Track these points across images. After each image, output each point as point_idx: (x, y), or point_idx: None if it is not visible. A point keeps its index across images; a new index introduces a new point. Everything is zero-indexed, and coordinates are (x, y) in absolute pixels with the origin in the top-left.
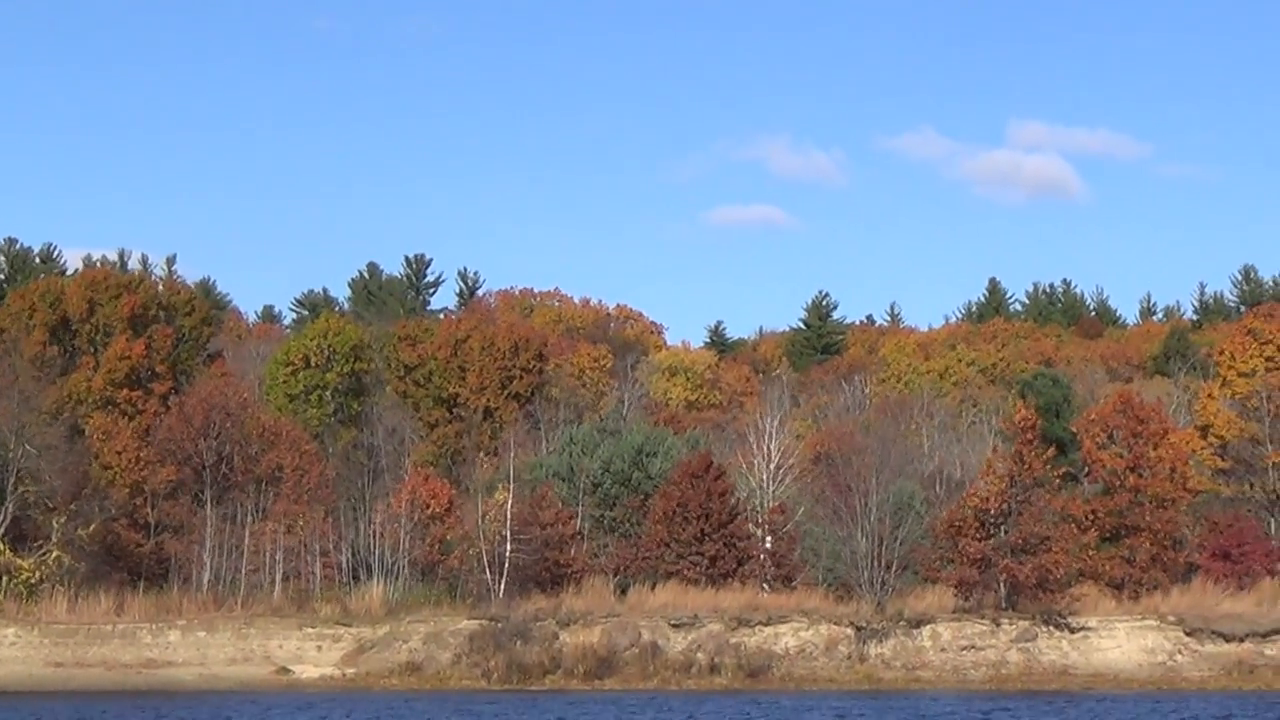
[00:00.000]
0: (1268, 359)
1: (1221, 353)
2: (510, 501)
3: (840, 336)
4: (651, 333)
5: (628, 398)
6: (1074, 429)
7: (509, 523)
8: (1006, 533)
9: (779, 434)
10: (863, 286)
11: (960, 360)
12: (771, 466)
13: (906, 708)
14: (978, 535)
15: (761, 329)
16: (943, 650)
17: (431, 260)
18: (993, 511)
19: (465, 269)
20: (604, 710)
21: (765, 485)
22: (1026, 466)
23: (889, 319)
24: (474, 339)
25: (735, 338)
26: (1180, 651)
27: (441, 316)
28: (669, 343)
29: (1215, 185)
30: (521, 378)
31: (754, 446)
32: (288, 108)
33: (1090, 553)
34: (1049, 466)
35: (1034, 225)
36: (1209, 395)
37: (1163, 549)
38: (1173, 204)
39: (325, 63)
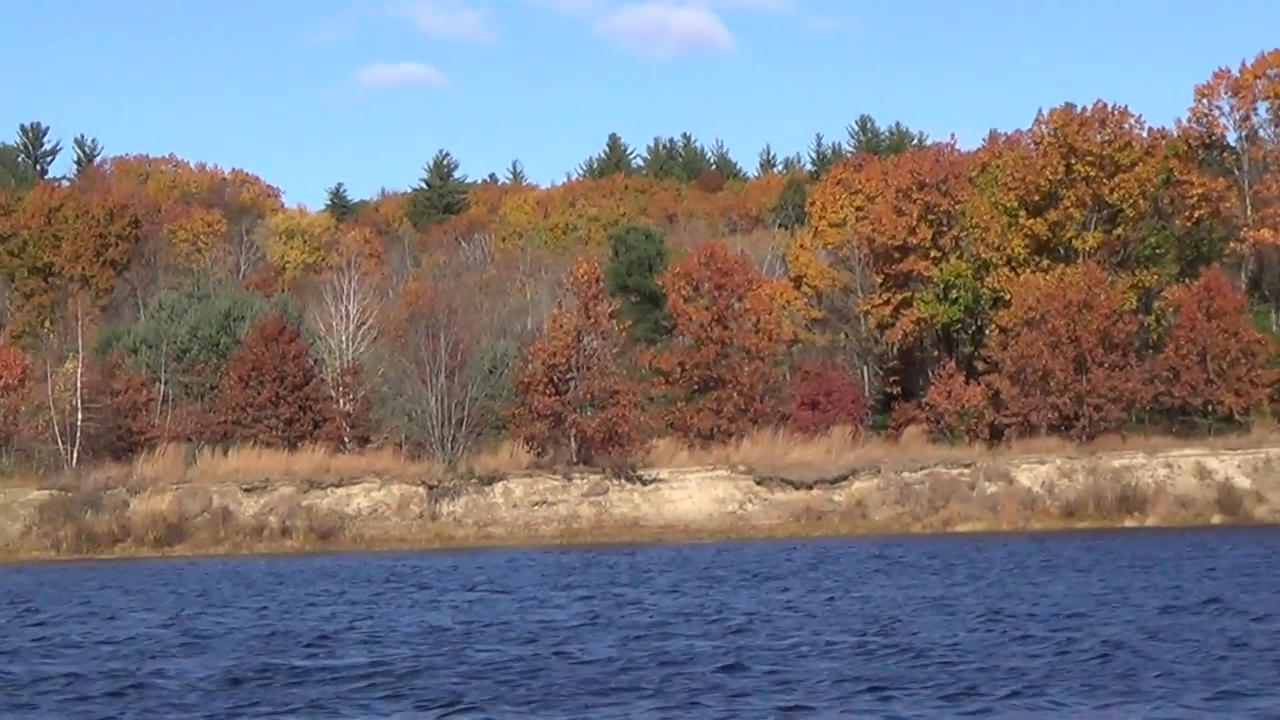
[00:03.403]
0: (858, 209)
1: (813, 203)
2: (80, 371)
3: (462, 196)
4: (268, 196)
5: (243, 262)
6: (660, 283)
7: (79, 392)
8: (575, 387)
9: (357, 294)
10: (498, 145)
11: (580, 216)
12: (351, 327)
13: (447, 563)
14: (547, 391)
15: (384, 190)
16: (515, 507)
17: (48, 128)
18: (560, 366)
19: (83, 136)
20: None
21: (345, 346)
22: (592, 320)
23: (511, 177)
24: (68, 207)
25: (357, 200)
26: (750, 500)
27: (64, 185)
28: (287, 206)
29: (858, 38)
30: (118, 245)
31: (331, 308)
32: None
33: (679, 406)
34: (616, 320)
35: (679, 80)
36: (801, 246)
37: (750, 400)
38: (818, 57)
39: None
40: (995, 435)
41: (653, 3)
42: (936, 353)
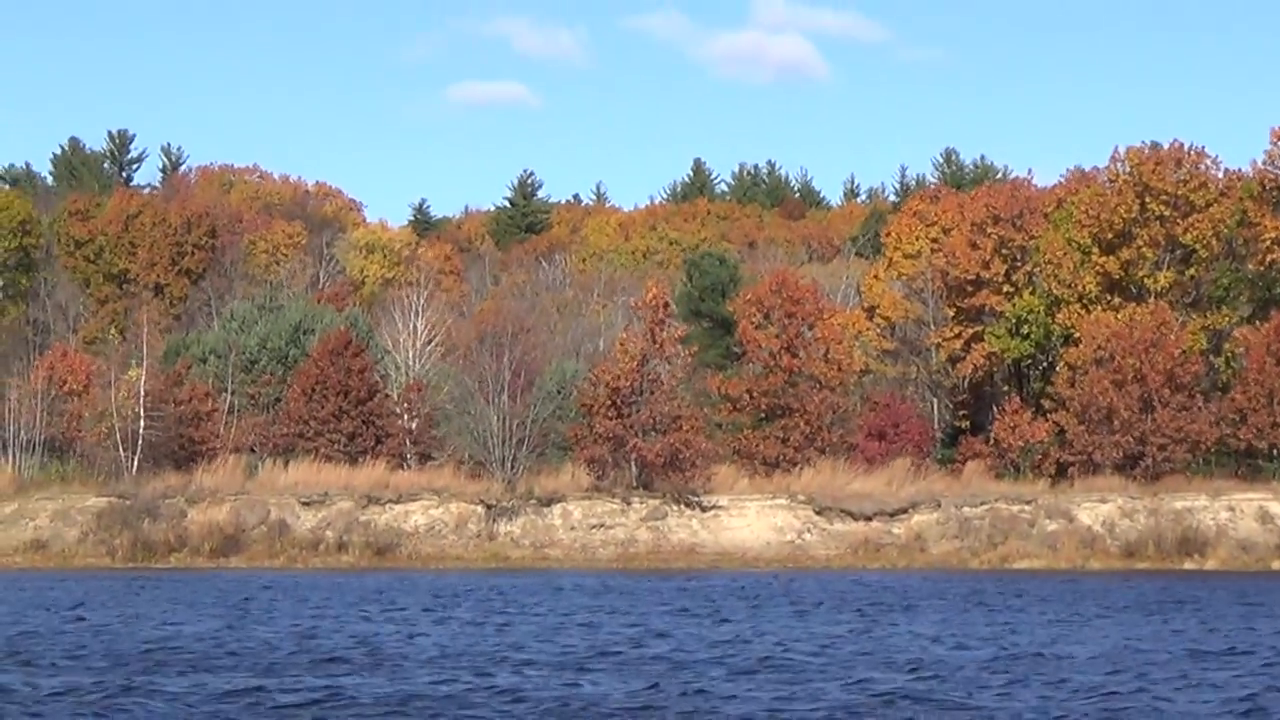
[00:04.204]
0: (933, 240)
1: (889, 234)
2: (144, 378)
3: (545, 215)
4: (350, 210)
5: (323, 275)
6: (731, 309)
7: (143, 400)
8: (638, 411)
9: (426, 311)
10: (585, 166)
11: (661, 240)
12: (418, 344)
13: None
14: (609, 414)
15: (467, 208)
16: (572, 529)
17: (135, 135)
18: (624, 390)
19: (169, 144)
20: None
21: (411, 363)
22: (657, 345)
23: (595, 198)
24: (146, 214)
25: (440, 216)
26: (809, 530)
27: (147, 192)
28: (368, 220)
29: (952, 70)
30: (194, 253)
31: (400, 323)
32: None
33: (745, 433)
34: (684, 345)
35: (771, 107)
36: (875, 276)
37: (817, 430)
38: (909, 88)
39: None
40: (1060, 473)
41: (749, 29)
42: (1007, 388)
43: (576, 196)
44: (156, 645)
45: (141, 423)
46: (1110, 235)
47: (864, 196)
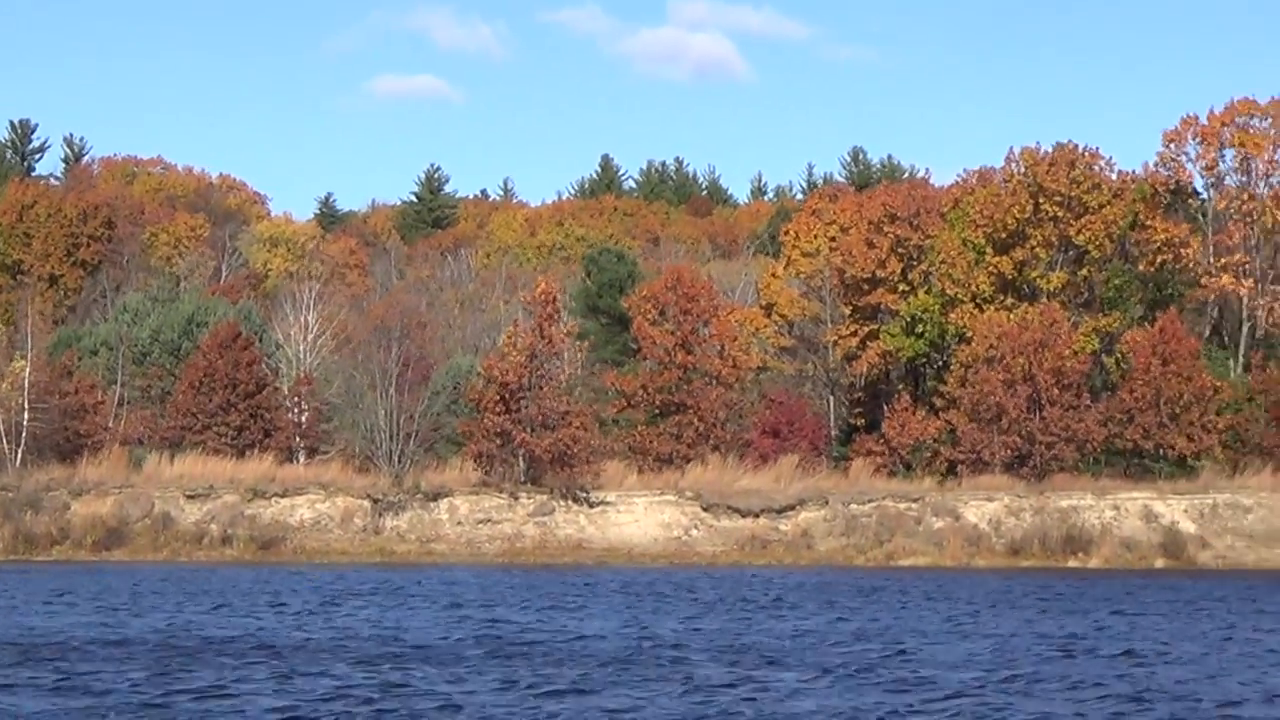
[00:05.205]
0: (831, 239)
1: (788, 232)
2: (29, 370)
3: (452, 210)
4: (254, 203)
5: (225, 268)
6: (627, 305)
7: (27, 391)
8: (526, 407)
9: (318, 305)
10: (498, 161)
11: (568, 236)
12: (309, 337)
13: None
14: (498, 410)
15: (374, 202)
16: (459, 524)
17: (38, 125)
18: (513, 385)
19: (72, 135)
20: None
21: (302, 356)
22: (546, 341)
23: (502, 194)
24: (41, 205)
25: (346, 210)
26: (696, 526)
27: (49, 182)
28: (273, 213)
29: (872, 69)
30: (89, 245)
31: (290, 317)
32: None
33: (639, 429)
34: (576, 340)
35: (687, 104)
36: (773, 274)
37: (711, 427)
38: (826, 86)
39: None
40: (951, 471)
41: (669, 26)
42: (902, 386)
43: (484, 192)
44: None
45: (26, 414)
46: (1004, 235)
47: (771, 195)
